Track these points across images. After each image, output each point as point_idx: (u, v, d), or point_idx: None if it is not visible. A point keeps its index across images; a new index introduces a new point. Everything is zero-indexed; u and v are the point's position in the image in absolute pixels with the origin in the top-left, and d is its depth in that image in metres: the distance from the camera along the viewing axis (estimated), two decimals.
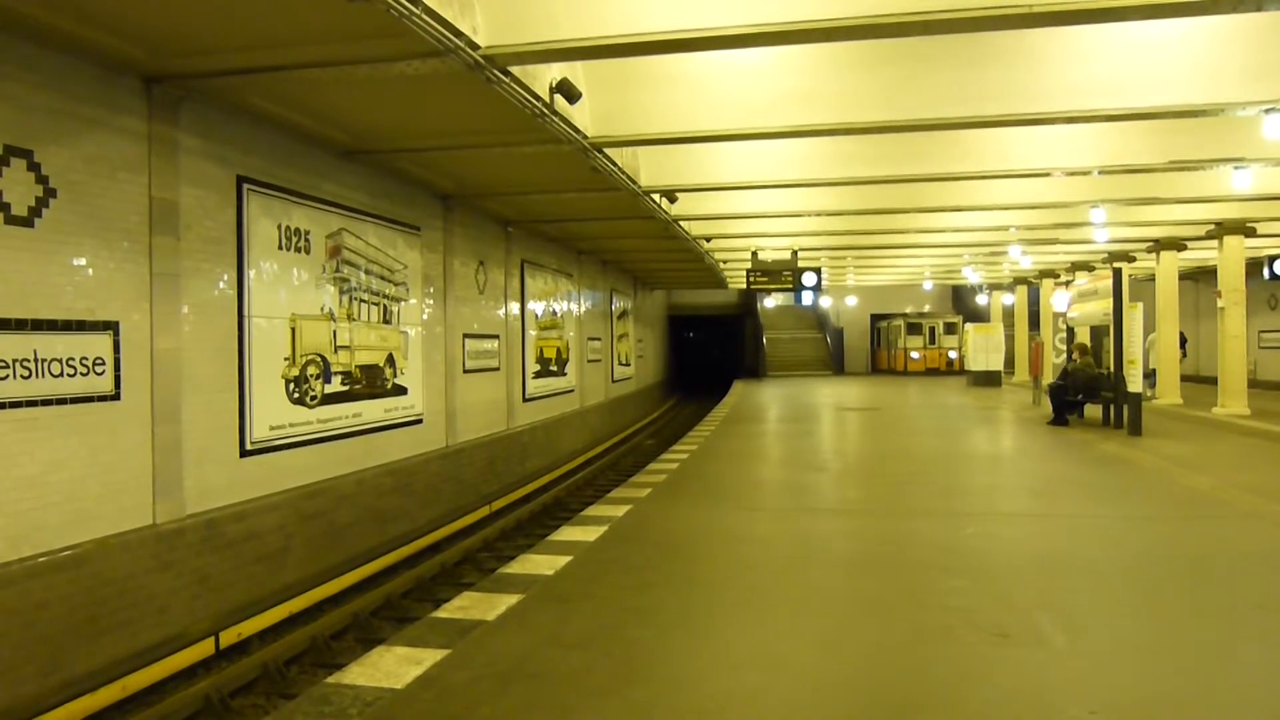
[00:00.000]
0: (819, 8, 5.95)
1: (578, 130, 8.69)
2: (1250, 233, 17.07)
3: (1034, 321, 29.63)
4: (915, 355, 38.49)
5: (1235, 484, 9.67)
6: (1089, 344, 17.84)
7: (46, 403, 6.30)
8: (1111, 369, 15.27)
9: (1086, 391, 16.28)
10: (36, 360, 6.22)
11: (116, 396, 6.90)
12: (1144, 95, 8.09)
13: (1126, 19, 6.19)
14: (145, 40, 6.50)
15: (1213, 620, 5.24)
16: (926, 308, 42.26)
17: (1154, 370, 19.12)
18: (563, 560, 6.61)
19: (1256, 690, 4.27)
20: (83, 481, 6.60)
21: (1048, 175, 12.13)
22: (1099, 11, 5.77)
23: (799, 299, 20.55)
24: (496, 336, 15.18)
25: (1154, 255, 19.91)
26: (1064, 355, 19.26)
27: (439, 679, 4.34)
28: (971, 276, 31.11)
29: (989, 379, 28.13)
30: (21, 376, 6.10)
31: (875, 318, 42.92)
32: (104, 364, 6.78)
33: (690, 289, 37.91)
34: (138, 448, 7.12)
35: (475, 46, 6.30)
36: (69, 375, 6.47)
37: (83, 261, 6.63)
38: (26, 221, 6.16)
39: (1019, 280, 29.97)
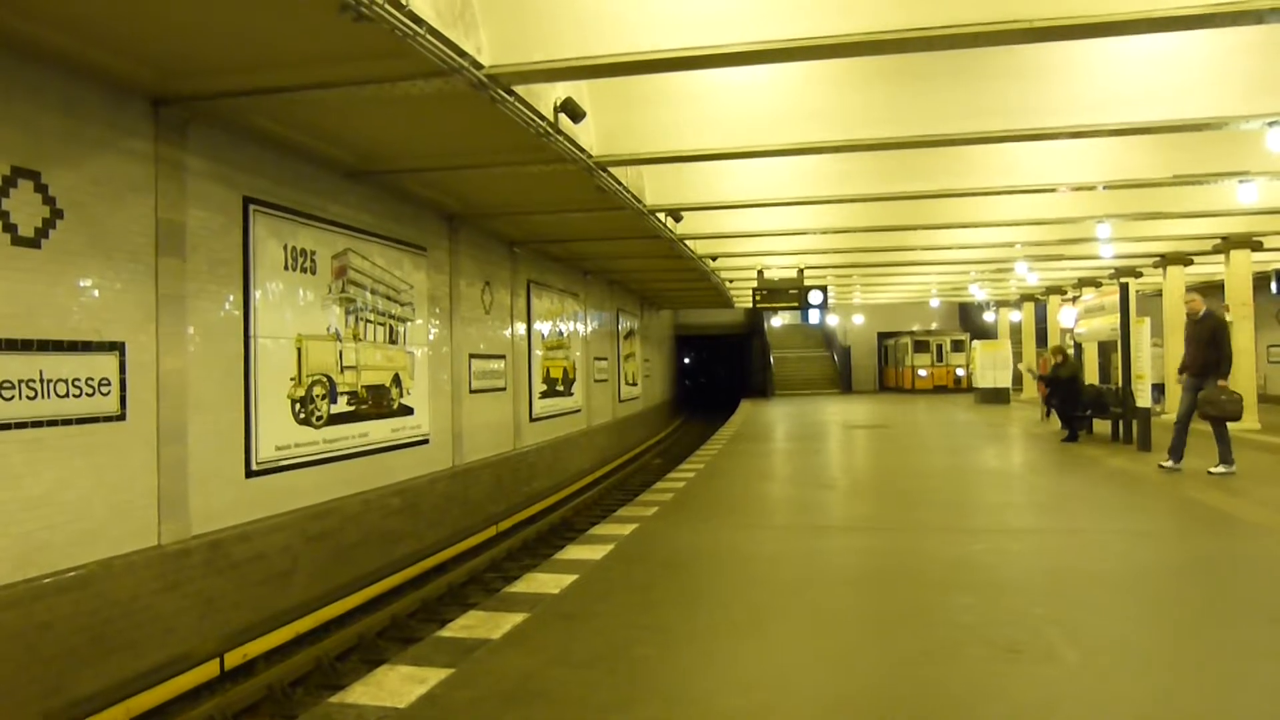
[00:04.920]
0: (820, 25, 5.98)
1: (582, 149, 8.72)
2: (1257, 246, 17.03)
3: (1041, 338, 29.57)
4: (923, 373, 38.42)
5: (1247, 498, 9.58)
6: (1068, 349, 17.78)
7: (52, 423, 6.30)
8: (1120, 384, 15.18)
9: (1095, 406, 16.21)
10: (43, 380, 6.23)
11: (122, 417, 6.91)
12: (1147, 109, 8.09)
13: (1127, 33, 6.20)
14: (152, 62, 6.56)
15: (1227, 635, 5.18)
16: (934, 325, 42.25)
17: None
18: (569, 579, 6.57)
19: (1272, 705, 4.21)
20: (88, 502, 6.59)
21: (1053, 191, 12.14)
22: (1099, 26, 5.80)
23: (805, 317, 20.52)
24: (503, 357, 15.19)
25: (1161, 270, 19.87)
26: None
27: (442, 698, 4.30)
28: (978, 294, 31.08)
29: (997, 396, 28.03)
30: (28, 397, 6.11)
31: (882, 336, 42.88)
32: (110, 384, 6.79)
33: (697, 308, 37.95)
34: (143, 468, 7.12)
35: (479, 66, 6.33)
36: (75, 396, 6.48)
37: (89, 282, 6.66)
38: (33, 242, 6.19)
39: (1026, 297, 29.94)
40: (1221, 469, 10.99)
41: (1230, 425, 11.07)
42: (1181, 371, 11.52)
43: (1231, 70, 7.82)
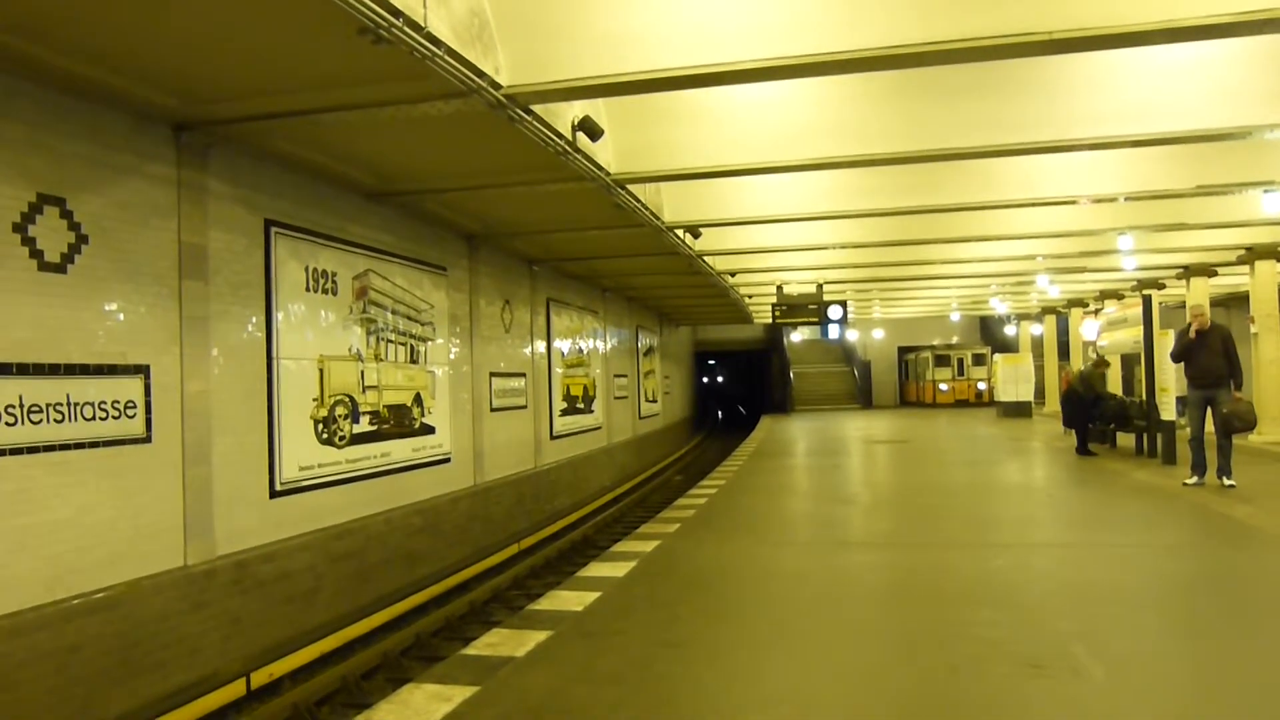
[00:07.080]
0: (836, 40, 5.99)
1: (600, 167, 8.76)
2: None
3: (1063, 351, 29.34)
4: (944, 387, 38.14)
5: (1275, 511, 9.45)
6: (1076, 369, 17.55)
7: (79, 446, 6.36)
8: (1143, 397, 15.04)
9: (1118, 419, 16.05)
10: (69, 404, 6.29)
11: (148, 439, 6.97)
12: (1168, 120, 8.03)
13: (1147, 43, 6.16)
14: (174, 88, 6.64)
15: (1255, 651, 5.09)
16: (954, 339, 41.96)
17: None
18: (591, 596, 6.56)
19: None
20: (115, 524, 6.65)
21: (1074, 203, 12.08)
22: (1120, 36, 5.76)
23: (825, 332, 20.45)
24: (523, 375, 15.23)
25: (1184, 282, 19.69)
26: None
27: (468, 716, 4.30)
28: (999, 307, 30.90)
29: (1019, 410, 27.80)
30: (55, 420, 6.18)
31: (903, 350, 42.67)
32: (135, 407, 6.85)
33: (716, 324, 37.93)
34: (169, 490, 7.17)
35: (497, 86, 6.38)
36: (101, 419, 6.54)
37: (114, 306, 6.73)
38: (59, 268, 6.27)
39: (1047, 310, 29.73)
40: (1195, 480, 10.98)
41: (1254, 437, 10.94)
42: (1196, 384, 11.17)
43: (1255, 79, 7.75)
